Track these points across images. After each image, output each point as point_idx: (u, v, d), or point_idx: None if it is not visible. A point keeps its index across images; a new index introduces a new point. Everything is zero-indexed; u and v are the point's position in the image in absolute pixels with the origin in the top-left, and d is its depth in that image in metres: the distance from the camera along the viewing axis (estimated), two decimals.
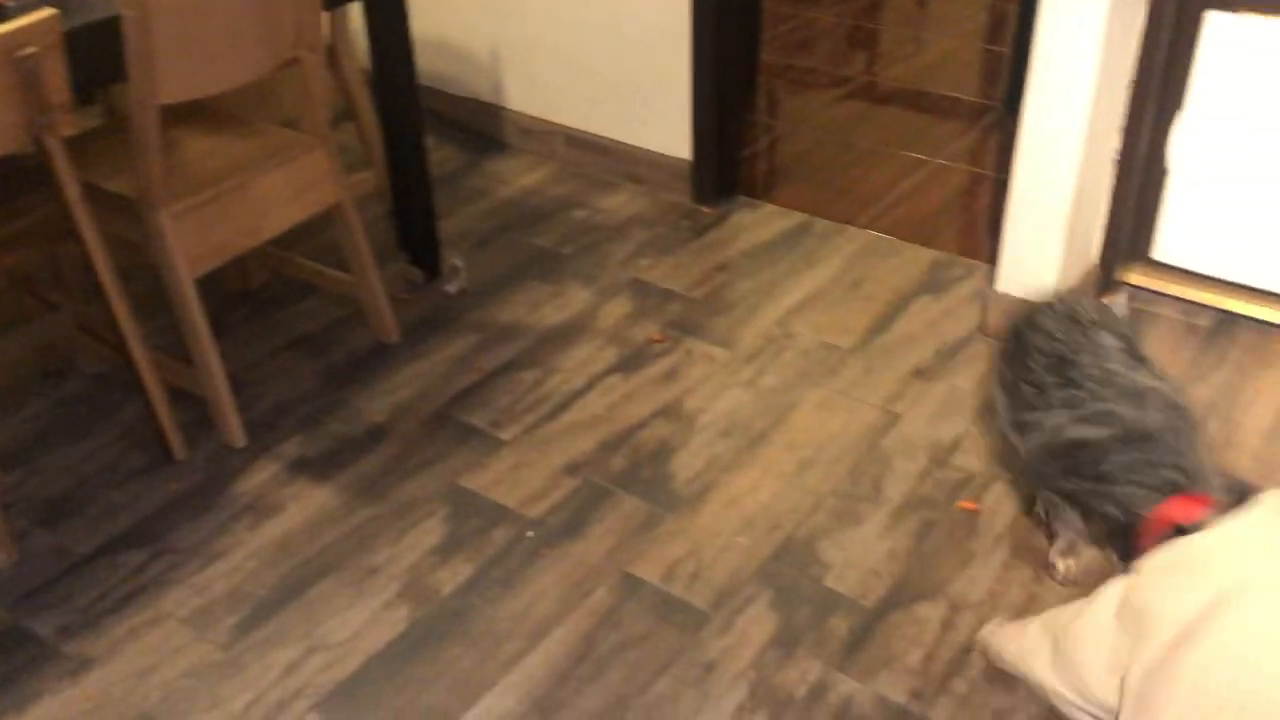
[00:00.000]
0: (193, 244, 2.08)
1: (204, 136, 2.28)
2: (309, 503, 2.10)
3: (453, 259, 2.79)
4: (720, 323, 2.57)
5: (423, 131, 2.57)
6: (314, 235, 2.85)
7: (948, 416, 2.26)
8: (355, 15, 2.69)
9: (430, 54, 3.38)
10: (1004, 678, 1.72)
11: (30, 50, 1.72)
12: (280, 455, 2.21)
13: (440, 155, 3.31)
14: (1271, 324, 2.47)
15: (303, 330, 2.57)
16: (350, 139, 3.03)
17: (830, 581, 1.91)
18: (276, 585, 1.93)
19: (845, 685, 1.73)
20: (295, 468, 2.18)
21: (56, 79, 1.79)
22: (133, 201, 2.04)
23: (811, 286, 2.69)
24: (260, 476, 2.16)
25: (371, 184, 2.89)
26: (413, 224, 2.68)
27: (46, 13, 1.73)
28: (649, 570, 1.94)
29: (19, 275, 2.31)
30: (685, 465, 2.17)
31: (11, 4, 1.82)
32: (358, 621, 1.86)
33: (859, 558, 1.95)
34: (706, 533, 2.02)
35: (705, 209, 3.02)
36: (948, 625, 1.82)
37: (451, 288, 2.71)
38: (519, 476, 2.15)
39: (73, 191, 1.90)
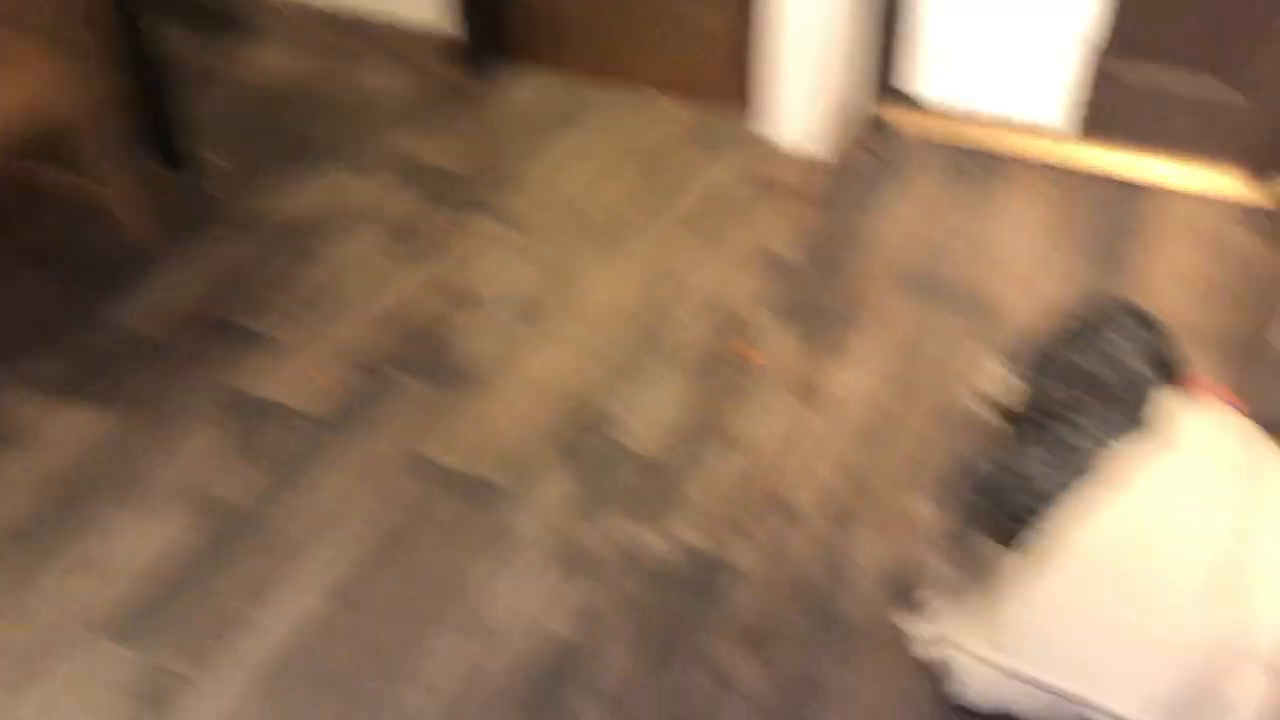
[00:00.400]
0: None
1: None
2: (73, 424, 1.97)
3: (207, 153, 2.62)
4: (501, 198, 2.52)
5: (153, 20, 2.37)
6: (50, 141, 2.62)
7: (730, 272, 2.31)
8: None
9: None
10: (789, 511, 1.80)
11: None
12: (29, 378, 2.05)
13: (182, 43, 3.08)
14: (1023, 156, 2.61)
15: (49, 242, 2.37)
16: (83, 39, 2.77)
17: (624, 439, 1.94)
18: (42, 515, 1.81)
19: (644, 535, 1.77)
20: (49, 390, 2.03)
21: None
22: None
23: (587, 151, 2.66)
24: (8, 401, 2.01)
25: (111, 83, 2.65)
26: (157, 119, 2.49)
27: None
28: (444, 453, 1.93)
29: None
30: (473, 345, 2.15)
31: None
32: (139, 538, 1.78)
33: (650, 414, 1.99)
34: (499, 409, 2.01)
35: (472, 80, 2.93)
36: (739, 470, 1.88)
37: (210, 183, 2.55)
38: (300, 374, 2.08)
39: None
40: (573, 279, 2.29)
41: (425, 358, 2.11)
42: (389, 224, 2.44)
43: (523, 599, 1.69)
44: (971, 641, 1.46)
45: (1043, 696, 1.43)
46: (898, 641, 1.63)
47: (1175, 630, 1.33)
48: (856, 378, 2.04)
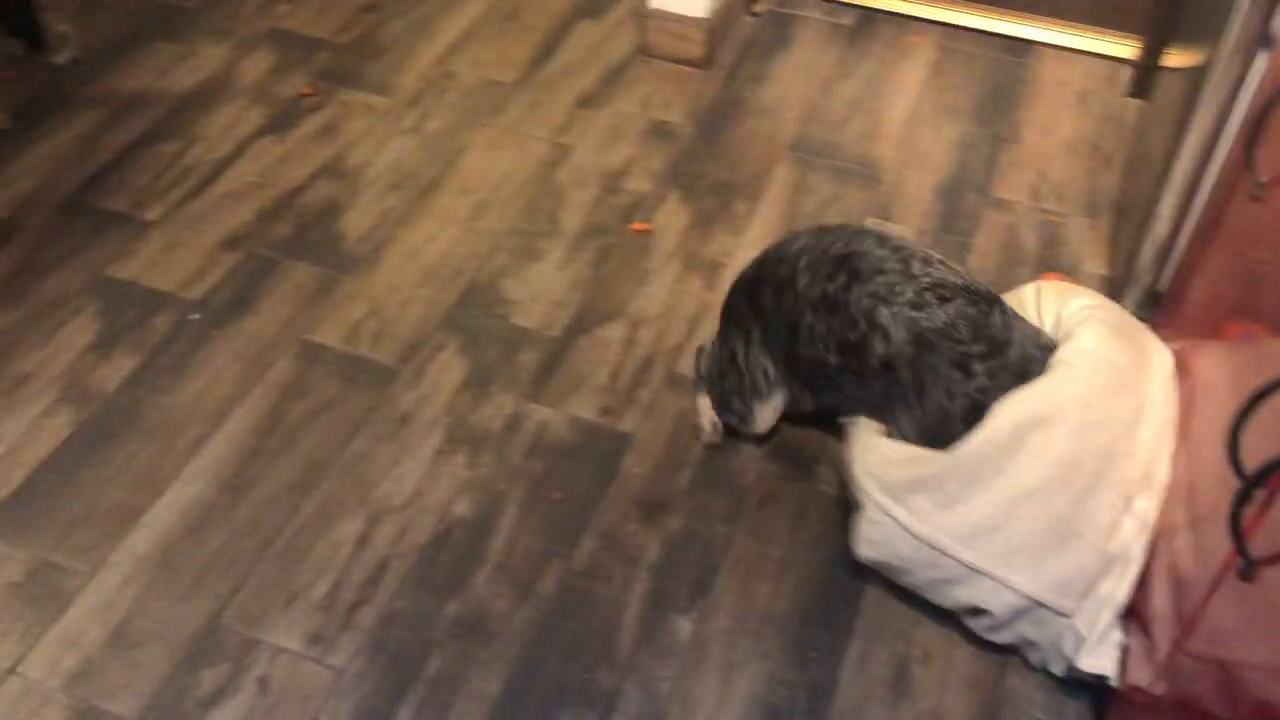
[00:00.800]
0: None
1: None
2: None
3: (58, 25, 2.45)
4: (375, 69, 2.42)
5: None
6: None
7: (616, 142, 2.27)
8: None
9: None
10: (682, 383, 1.82)
11: None
12: None
13: None
14: (907, 16, 2.59)
15: None
16: None
17: (516, 318, 1.92)
18: None
19: (539, 413, 1.77)
20: None
21: None
22: None
23: (467, 20, 2.56)
24: None
25: None
26: None
27: None
28: (330, 335, 1.89)
29: None
30: (355, 224, 2.08)
31: None
32: (15, 433, 1.72)
33: (542, 292, 1.97)
34: (386, 289, 1.97)
35: None
36: (630, 343, 1.89)
37: (61, 58, 2.39)
38: (173, 258, 2.00)
39: None
40: (455, 152, 2.23)
41: (306, 238, 2.05)
42: (261, 98, 2.33)
43: (415, 478, 1.68)
44: (893, 498, 1.48)
45: (938, 568, 1.46)
46: (789, 501, 1.67)
47: (1085, 514, 1.39)
48: (744, 246, 2.05)
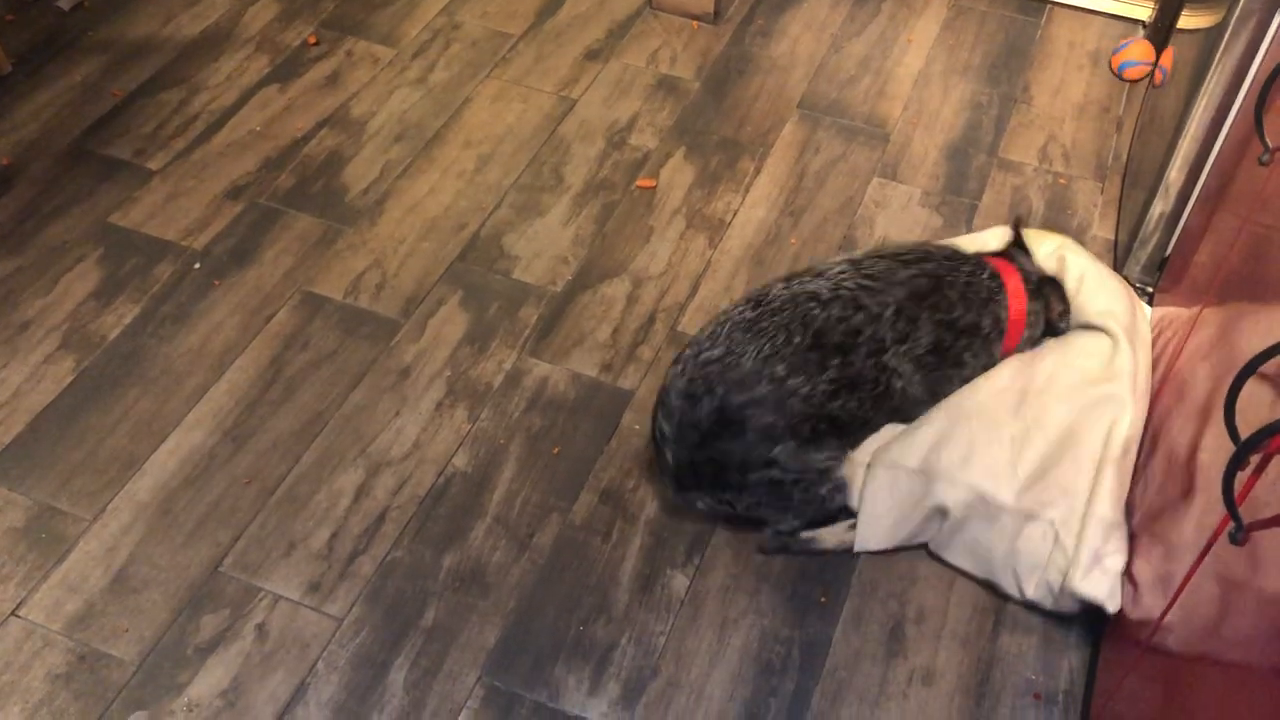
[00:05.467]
0: None
1: None
2: None
3: None
4: (380, 18, 2.40)
5: None
6: None
7: (622, 97, 2.25)
8: None
9: None
10: (683, 340, 1.82)
11: None
12: None
13: None
14: None
15: None
16: None
17: (518, 273, 1.92)
18: None
19: (540, 368, 1.78)
20: None
21: None
22: None
23: None
24: None
25: None
26: None
27: None
28: (331, 287, 1.88)
29: None
30: (359, 175, 2.07)
31: None
32: (16, 380, 1.72)
33: (545, 247, 1.96)
34: (389, 241, 1.96)
35: None
36: (632, 299, 1.88)
37: (64, 3, 2.37)
38: (176, 207, 1.99)
39: None
40: (459, 104, 2.21)
41: (309, 189, 2.04)
42: (265, 47, 2.31)
43: (421, 433, 1.69)
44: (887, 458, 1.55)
45: (925, 506, 1.50)
46: None
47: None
48: (749, 205, 2.04)
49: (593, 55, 2.34)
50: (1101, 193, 2.09)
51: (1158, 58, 2.23)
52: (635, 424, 1.71)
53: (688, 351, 1.49)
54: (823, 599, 1.52)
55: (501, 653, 1.45)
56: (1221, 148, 1.62)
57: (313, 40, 2.34)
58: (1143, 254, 1.83)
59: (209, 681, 1.41)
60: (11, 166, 2.04)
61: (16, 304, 1.83)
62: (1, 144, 2.07)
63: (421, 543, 1.56)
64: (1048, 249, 1.73)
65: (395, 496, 1.61)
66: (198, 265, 1.90)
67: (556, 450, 1.67)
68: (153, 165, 2.06)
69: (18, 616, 1.46)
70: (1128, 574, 1.40)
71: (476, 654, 1.45)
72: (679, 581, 1.53)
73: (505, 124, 2.18)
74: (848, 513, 1.56)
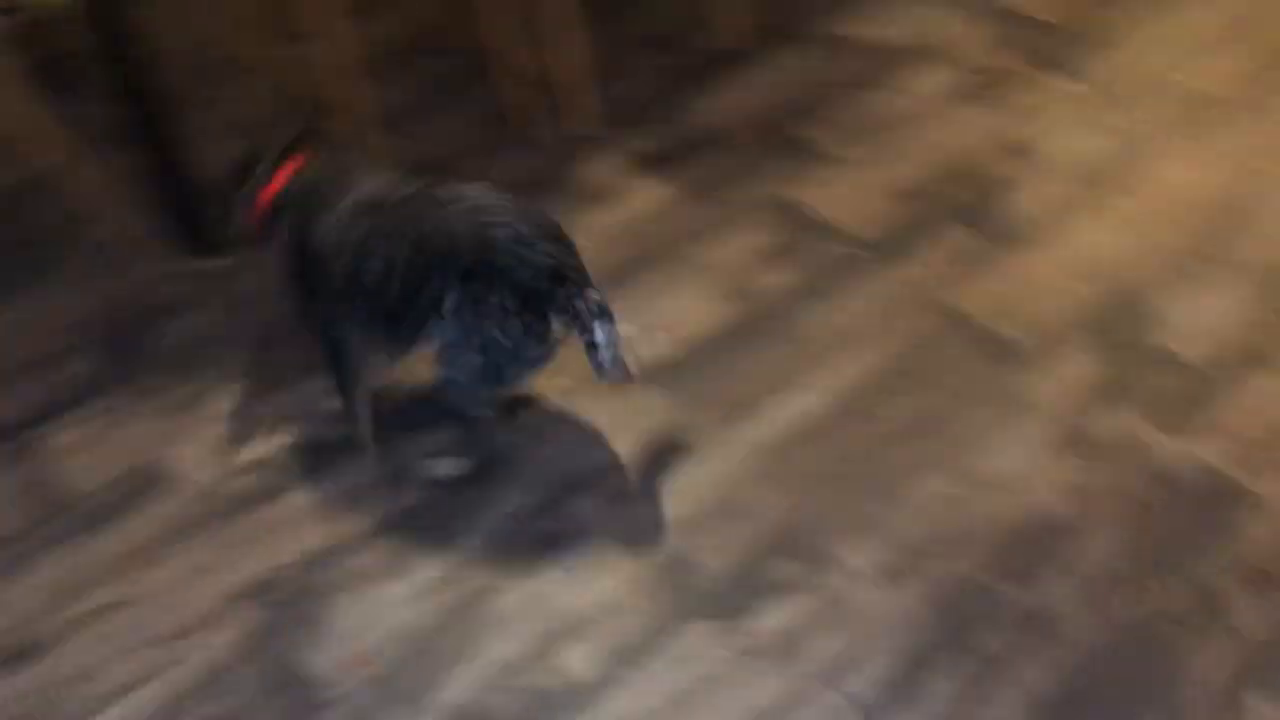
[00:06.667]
0: None
1: None
2: (647, 195, 2.19)
3: None
4: (1089, 59, 2.38)
5: None
6: None
7: None
8: None
9: None
10: None
11: None
12: (623, 147, 2.30)
13: None
14: None
15: (654, 29, 2.60)
16: None
17: (1165, 339, 1.83)
18: (615, 265, 2.06)
19: (1164, 442, 1.69)
20: (635, 160, 2.27)
21: None
22: None
23: (1195, 26, 2.42)
24: (603, 164, 2.27)
25: None
26: None
27: None
28: (974, 303, 1.93)
29: None
30: (1027, 204, 2.09)
31: None
32: (684, 308, 1.98)
33: (1201, 320, 1.85)
34: (1040, 275, 1.96)
35: None
36: None
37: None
38: (851, 195, 2.15)
39: None
40: (1146, 157, 2.14)
41: (974, 205, 2.10)
42: (967, 65, 2.40)
43: (1017, 462, 1.68)
44: None
45: None
46: None
47: None
48: None
49: None
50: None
51: None
52: (1255, 528, 1.56)
53: None
54: None
55: (1049, 705, 1.42)
56: None
57: (1017, 69, 2.38)
58: None
59: (772, 620, 1.54)
60: (724, 129, 2.32)
61: (699, 245, 2.09)
62: (722, 108, 2.37)
63: (998, 571, 1.56)
64: None
65: (983, 517, 1.62)
66: (858, 252, 2.04)
67: (1158, 527, 1.58)
68: (841, 153, 2.24)
69: None
70: None
71: (1025, 696, 1.43)
72: (1265, 714, 1.39)
73: (1186, 185, 2.07)
74: None
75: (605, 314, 1.53)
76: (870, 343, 1.88)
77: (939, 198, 2.12)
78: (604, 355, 1.53)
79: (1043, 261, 1.98)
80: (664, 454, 1.76)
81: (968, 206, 2.10)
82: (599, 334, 1.51)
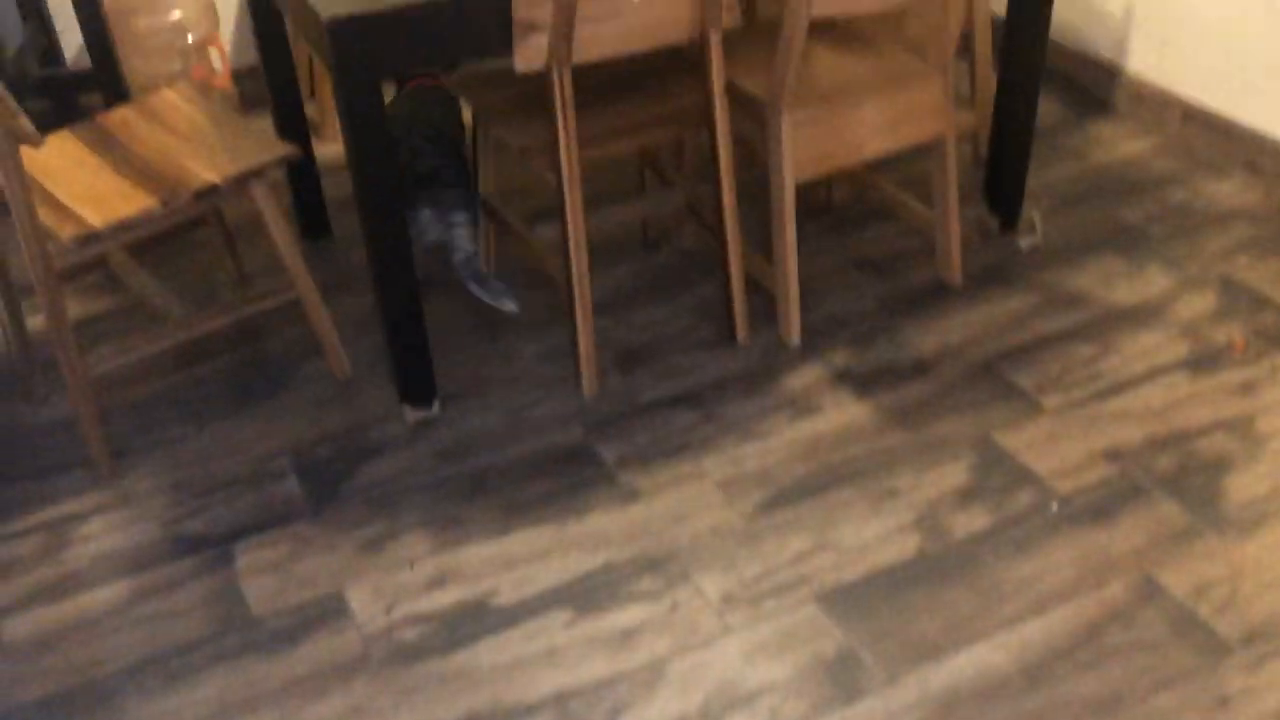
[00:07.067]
0: (803, 151, 2.22)
1: (832, 52, 2.41)
2: (845, 413, 2.20)
3: (1032, 214, 2.73)
4: None
5: (1039, 83, 2.51)
6: (899, 164, 2.92)
7: None
8: None
9: (1058, 3, 3.26)
10: None
11: None
12: (827, 362, 2.33)
13: (1042, 108, 3.21)
14: None
15: (871, 253, 2.66)
16: (958, 75, 3.03)
17: None
18: (802, 478, 2.06)
19: None
20: (839, 377, 2.29)
21: None
22: (760, 103, 2.21)
23: None
24: (807, 376, 2.29)
25: (968, 124, 2.88)
26: (1002, 172, 2.64)
27: None
28: (1176, 581, 1.83)
29: (648, 152, 2.60)
30: (1243, 487, 2.00)
31: None
32: (869, 534, 1.95)
33: None
34: (1252, 563, 1.86)
35: None
36: None
37: (1024, 243, 2.66)
38: (1055, 447, 2.10)
39: (718, 85, 2.10)
40: None
41: (1186, 480, 2.02)
42: (1189, 335, 2.35)
43: None
44: None
45: None
46: None
47: None
48: None
49: None
50: None
51: None
52: None
53: None
54: None
55: None
56: None
57: (1240, 343, 2.32)
58: None
59: None
60: (931, 360, 2.32)
61: (892, 472, 2.07)
62: (929, 339, 2.38)
63: None
64: None
65: None
66: (1055, 506, 1.98)
67: None
68: (1047, 402, 2.20)
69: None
70: None
71: None
72: None
73: None
74: None
75: (464, 210, 2.37)
76: (1061, 604, 1.80)
77: (1145, 464, 2.05)
78: (458, 250, 2.35)
79: (1257, 549, 1.88)
80: (827, 684, 1.70)
81: (1176, 478, 2.02)
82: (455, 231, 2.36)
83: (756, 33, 2.49)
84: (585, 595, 1.86)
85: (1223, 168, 2.90)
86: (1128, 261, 2.58)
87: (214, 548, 1.98)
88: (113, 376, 2.37)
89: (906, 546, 1.92)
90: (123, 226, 1.96)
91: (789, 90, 2.14)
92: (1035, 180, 2.89)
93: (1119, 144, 3.04)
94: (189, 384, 2.35)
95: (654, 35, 1.99)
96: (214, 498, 2.08)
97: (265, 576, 1.91)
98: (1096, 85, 3.23)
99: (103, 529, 2.03)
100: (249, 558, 1.95)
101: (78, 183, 2.06)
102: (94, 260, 2.41)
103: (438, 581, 1.89)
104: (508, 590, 1.87)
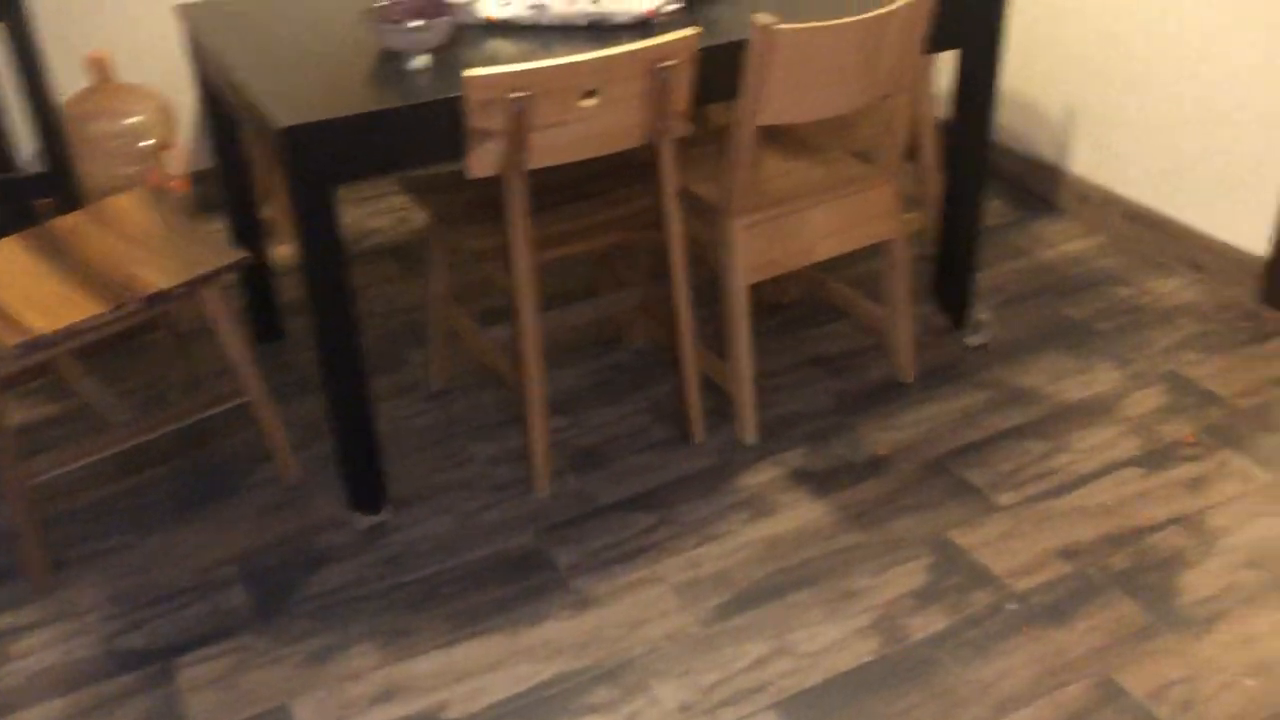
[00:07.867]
0: (754, 254, 2.25)
1: (782, 158, 2.45)
2: (802, 513, 2.19)
3: (981, 313, 2.77)
4: (1267, 441, 2.33)
5: (985, 184, 2.57)
6: (851, 262, 2.97)
7: None
8: (942, 60, 2.74)
9: (1001, 107, 3.36)
10: None
11: (670, 63, 1.95)
12: (783, 462, 2.33)
13: (989, 208, 3.29)
14: None
15: (824, 351, 2.68)
16: (905, 177, 3.10)
17: None
18: (759, 581, 2.04)
19: None
20: (795, 477, 2.28)
21: (683, 90, 2.01)
22: (712, 207, 2.24)
23: None
24: (763, 476, 2.29)
25: (916, 225, 2.94)
26: (950, 271, 2.69)
27: (691, 31, 1.95)
28: (1135, 682, 1.82)
29: (601, 255, 2.62)
30: (1197, 584, 2.00)
31: (659, 18, 2.07)
32: (827, 638, 1.93)
33: None
34: (1209, 663, 1.85)
35: (1272, 313, 2.74)
36: None
37: (974, 340, 2.69)
38: (1010, 546, 2.10)
39: (671, 190, 2.13)
40: None
41: (1141, 578, 2.02)
42: (1139, 432, 2.37)
43: None
44: None
45: None
46: None
47: None
48: None
49: None
50: None
51: None
52: None
53: None
54: None
55: None
56: None
57: (1190, 439, 2.34)
58: None
59: None
60: (885, 458, 2.33)
61: (849, 573, 2.06)
62: (884, 437, 2.39)
63: None
64: None
65: None
66: (1012, 606, 1.97)
67: None
68: (1001, 500, 2.21)
69: None
70: None
71: None
72: None
73: None
74: None
75: None
76: (1020, 708, 1.78)
77: (1100, 561, 2.05)
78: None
79: (1212, 649, 1.87)
80: None
81: (1131, 576, 2.02)
82: None
83: (708, 138, 2.54)
84: (538, 707, 1.82)
85: (1166, 265, 2.97)
86: (1076, 358, 2.62)
87: (155, 662, 1.91)
88: (54, 485, 2.32)
89: (865, 649, 1.90)
90: (70, 333, 1.93)
91: (740, 196, 2.18)
92: (984, 279, 2.94)
93: (1064, 243, 3.11)
94: (134, 490, 2.30)
95: (607, 142, 2.02)
96: (156, 609, 2.02)
97: (208, 692, 1.85)
98: (1040, 186, 3.32)
99: (39, 644, 1.96)
100: (192, 672, 1.89)
101: (25, 289, 2.04)
102: (39, 366, 2.38)
103: (386, 695, 1.84)
104: (458, 704, 1.82)
